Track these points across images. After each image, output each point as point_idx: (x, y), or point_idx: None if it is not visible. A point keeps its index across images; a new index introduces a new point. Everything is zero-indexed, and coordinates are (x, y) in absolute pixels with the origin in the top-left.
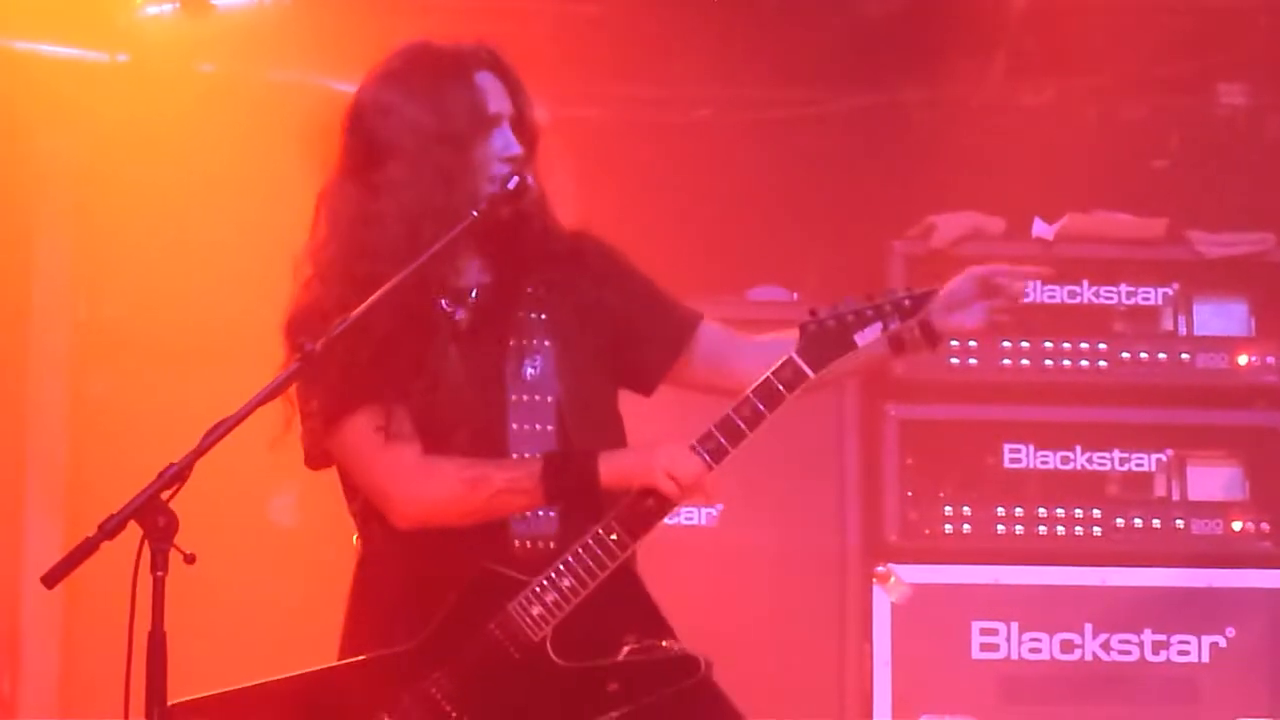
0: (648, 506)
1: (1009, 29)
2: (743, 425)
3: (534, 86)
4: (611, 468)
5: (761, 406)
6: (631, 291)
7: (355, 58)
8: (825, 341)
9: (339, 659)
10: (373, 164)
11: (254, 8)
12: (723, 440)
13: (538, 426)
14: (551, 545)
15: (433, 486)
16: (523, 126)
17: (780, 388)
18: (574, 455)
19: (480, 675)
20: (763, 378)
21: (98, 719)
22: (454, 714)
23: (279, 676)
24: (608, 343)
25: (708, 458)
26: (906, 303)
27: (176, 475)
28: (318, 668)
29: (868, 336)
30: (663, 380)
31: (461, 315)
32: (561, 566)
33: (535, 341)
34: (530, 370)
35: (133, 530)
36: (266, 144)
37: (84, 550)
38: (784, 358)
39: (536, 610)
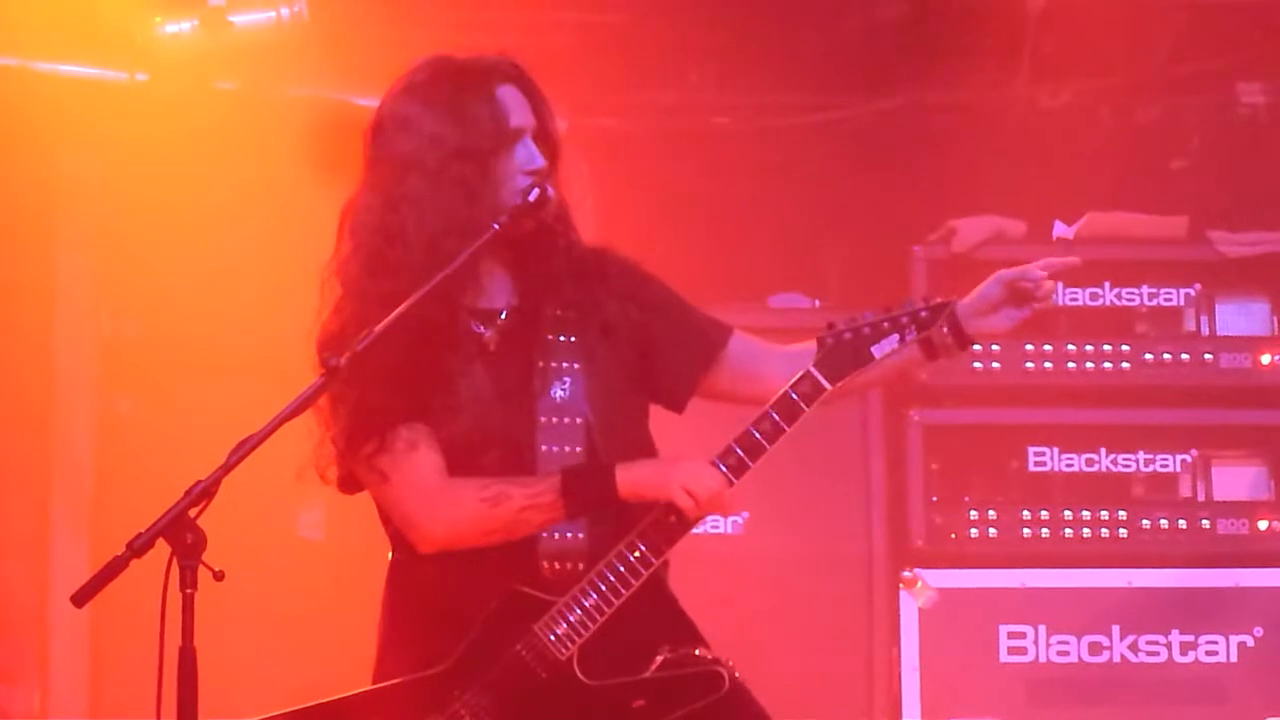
0: (670, 523)
1: (1026, 31)
2: (762, 439)
3: (553, 97)
4: (629, 479)
5: (780, 420)
6: (657, 308)
7: (374, 72)
8: (843, 354)
9: (373, 680)
10: (394, 178)
11: (272, 25)
12: (743, 455)
13: (567, 448)
14: (580, 566)
15: (454, 510)
16: (545, 139)
17: (798, 401)
18: (592, 468)
19: (508, 696)
20: (781, 392)
21: None
22: None
23: (310, 703)
24: (636, 361)
25: (728, 473)
26: (924, 314)
27: (204, 492)
28: (350, 693)
29: (885, 349)
30: (693, 395)
31: (489, 336)
32: (586, 586)
33: (564, 364)
34: (559, 392)
35: (160, 547)
36: (286, 160)
37: (113, 569)
38: (801, 371)
39: (562, 630)
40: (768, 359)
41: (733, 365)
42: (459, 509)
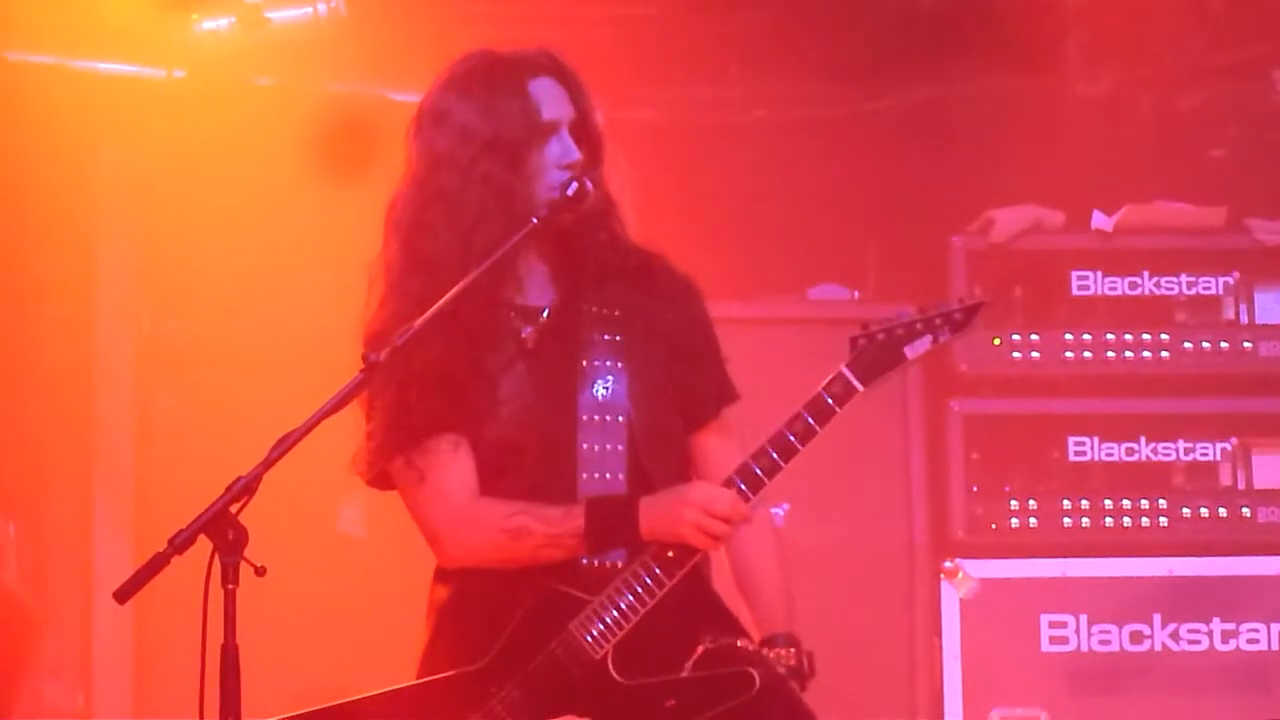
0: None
1: (1066, 20)
2: (795, 440)
3: (590, 90)
4: (648, 517)
5: (813, 422)
6: (692, 333)
7: (411, 68)
8: (876, 355)
9: (418, 675)
10: (429, 172)
11: (309, 20)
12: (775, 456)
13: (609, 447)
14: (619, 564)
15: (475, 536)
16: (585, 133)
17: (831, 403)
18: (615, 511)
19: (544, 694)
20: (814, 393)
21: None
22: None
23: (349, 699)
24: (674, 364)
25: (763, 475)
26: (958, 315)
27: (245, 488)
28: (388, 689)
29: (918, 349)
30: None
31: (530, 333)
32: (621, 585)
33: (606, 362)
34: (601, 390)
35: (202, 543)
36: (325, 155)
37: (155, 565)
38: (835, 372)
39: (597, 628)
40: (740, 447)
41: (721, 432)
42: (479, 536)
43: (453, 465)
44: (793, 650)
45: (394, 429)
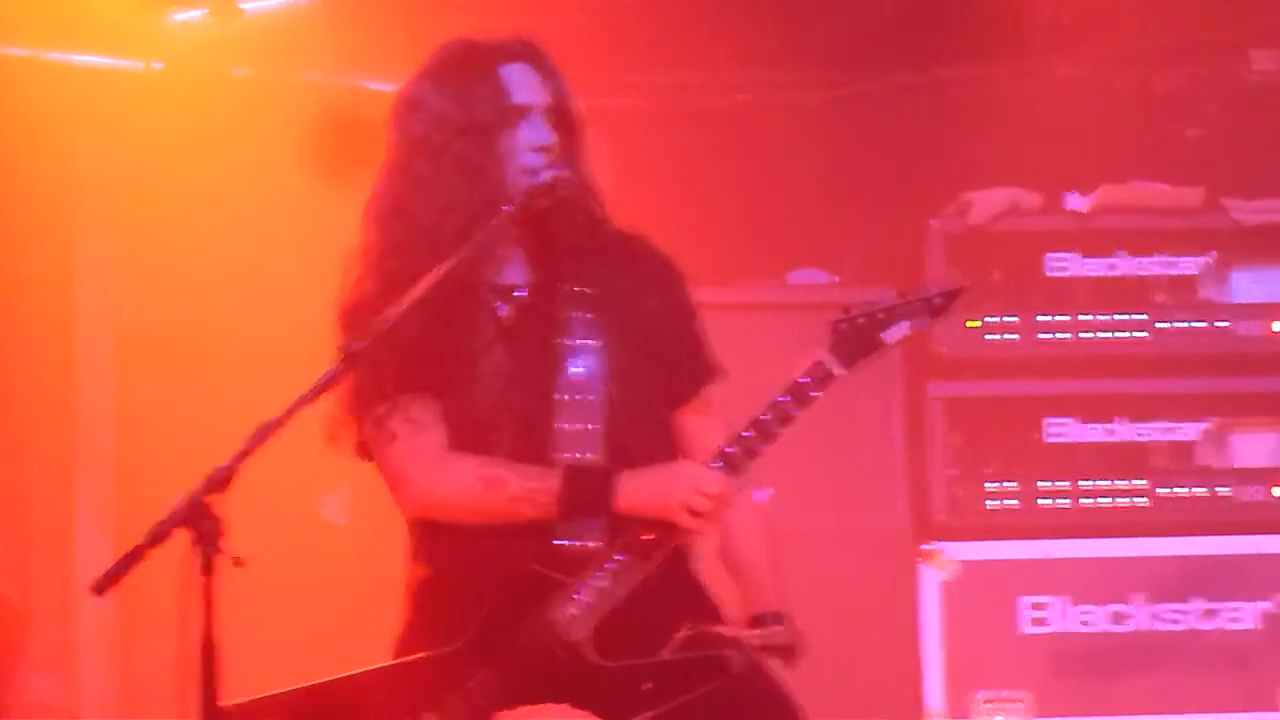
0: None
1: (1043, 3)
2: (775, 424)
3: (572, 77)
4: (629, 494)
5: (793, 406)
6: (672, 312)
7: (387, 56)
8: (856, 340)
9: (393, 657)
10: (404, 158)
11: (283, 10)
12: (755, 439)
13: (586, 426)
14: (597, 544)
15: (448, 479)
16: (561, 117)
17: (811, 387)
18: (592, 477)
19: (522, 675)
20: (794, 378)
21: None
22: (495, 715)
23: (326, 678)
24: (654, 345)
25: (741, 455)
26: (937, 300)
27: (223, 478)
28: (364, 669)
29: (896, 334)
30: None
31: (507, 312)
32: (600, 568)
33: (584, 341)
34: (579, 369)
35: (184, 534)
36: (302, 145)
37: (133, 557)
38: (815, 357)
39: (574, 610)
40: (711, 432)
41: (703, 410)
42: (453, 480)
43: (427, 426)
44: (781, 628)
45: (368, 393)
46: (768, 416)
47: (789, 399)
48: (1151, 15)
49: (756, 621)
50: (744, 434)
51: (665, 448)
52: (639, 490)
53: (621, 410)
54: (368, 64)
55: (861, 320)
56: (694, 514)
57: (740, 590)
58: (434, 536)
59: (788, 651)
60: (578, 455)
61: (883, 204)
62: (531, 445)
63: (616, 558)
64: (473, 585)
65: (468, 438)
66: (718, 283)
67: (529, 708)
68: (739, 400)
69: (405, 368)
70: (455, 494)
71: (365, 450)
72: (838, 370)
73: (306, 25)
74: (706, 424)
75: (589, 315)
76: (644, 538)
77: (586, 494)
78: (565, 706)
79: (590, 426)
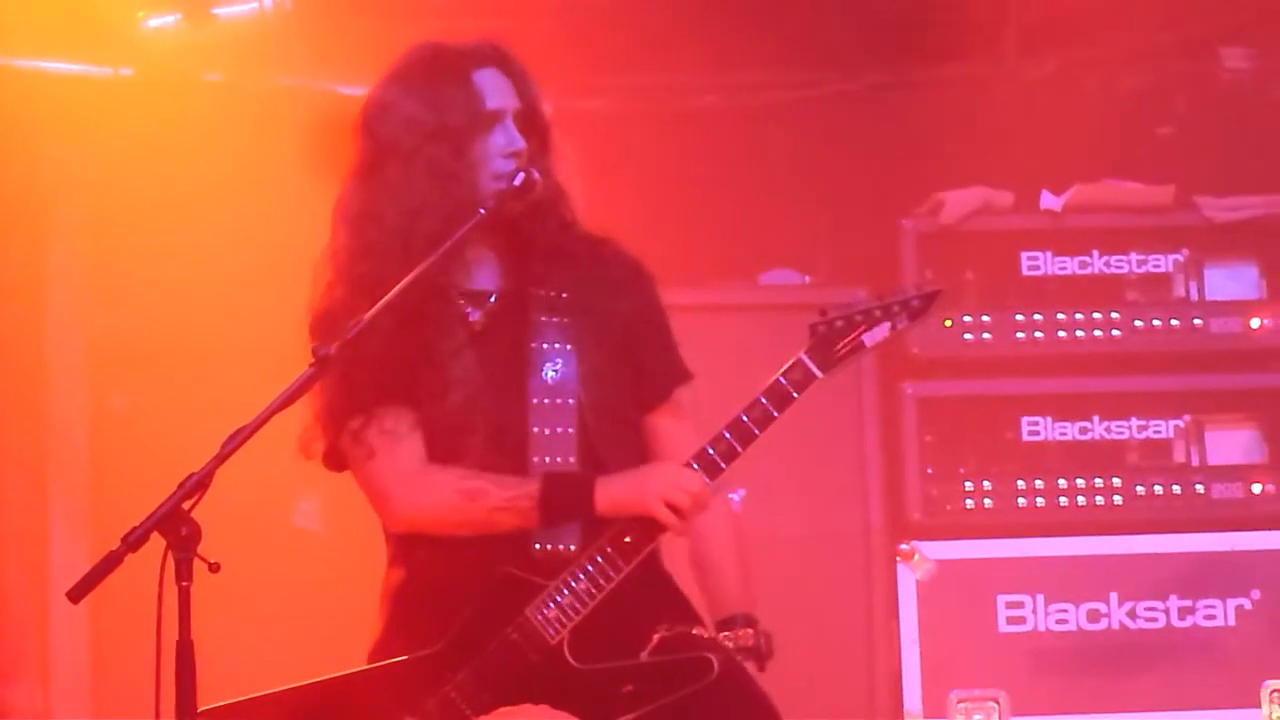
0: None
1: (1010, 3)
2: (752, 426)
3: (540, 80)
4: (609, 494)
5: (770, 407)
6: (642, 315)
7: (358, 61)
8: (834, 342)
9: (369, 662)
10: (375, 163)
11: (255, 16)
12: (733, 441)
13: (559, 430)
14: (572, 548)
15: (430, 494)
16: (531, 122)
17: (789, 388)
18: (571, 480)
19: (499, 679)
20: (772, 380)
21: None
22: (474, 718)
23: (304, 682)
24: (625, 349)
25: (718, 458)
26: (915, 303)
27: (197, 484)
28: (343, 673)
29: (876, 337)
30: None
31: (478, 317)
32: (576, 570)
33: (556, 345)
34: (552, 374)
35: (157, 540)
36: (274, 150)
37: (108, 564)
38: (794, 359)
39: (553, 614)
40: (694, 427)
41: (673, 413)
42: (435, 495)
43: (403, 437)
44: (750, 631)
45: (342, 405)
46: (746, 418)
47: (767, 401)
48: (1121, 14)
49: (725, 624)
50: (722, 435)
51: (637, 451)
52: (618, 491)
53: (594, 414)
54: (340, 69)
55: (840, 323)
56: (673, 509)
57: (709, 594)
58: (411, 542)
59: (755, 654)
60: (551, 460)
61: (855, 204)
62: (505, 449)
63: (594, 561)
64: (450, 589)
65: (442, 443)
66: (690, 284)
67: (508, 709)
68: (712, 401)
69: (377, 377)
70: (437, 508)
71: (335, 461)
72: (817, 373)
73: (279, 30)
74: (678, 427)
75: (560, 319)
76: (621, 540)
77: (567, 499)
78: (545, 707)
79: (564, 430)
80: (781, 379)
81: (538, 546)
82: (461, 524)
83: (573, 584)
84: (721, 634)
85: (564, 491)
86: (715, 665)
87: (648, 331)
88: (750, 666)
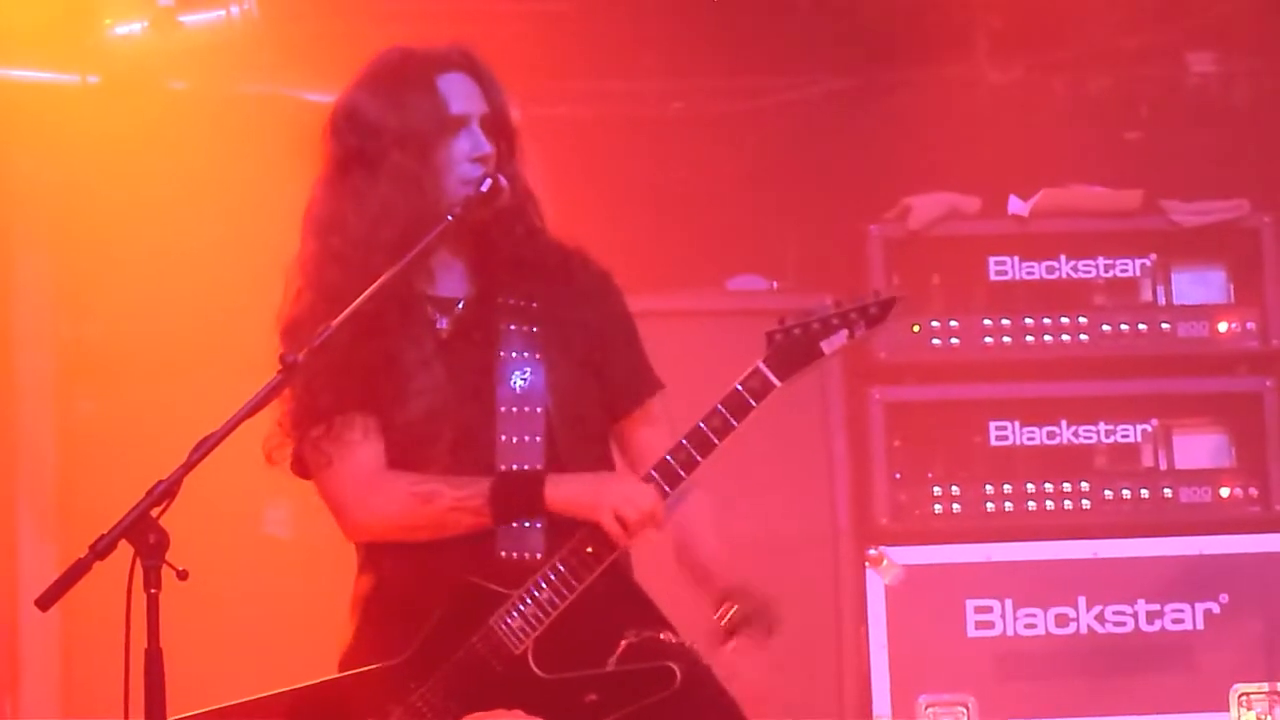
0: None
1: (976, 7)
2: (711, 435)
3: (506, 86)
4: (560, 495)
5: (730, 416)
6: (611, 326)
7: (324, 68)
8: (792, 351)
9: (340, 671)
10: (340, 169)
11: (222, 23)
12: (692, 450)
13: (526, 438)
14: (538, 557)
15: (385, 501)
16: (498, 127)
17: (747, 397)
18: (523, 478)
19: (464, 689)
20: (731, 389)
21: None
22: None
23: (272, 691)
24: (592, 359)
25: (679, 468)
26: (873, 310)
27: (165, 492)
28: (312, 682)
29: (834, 344)
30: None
31: (445, 325)
32: (540, 579)
33: (524, 354)
34: (520, 382)
35: (126, 548)
36: (241, 157)
37: (76, 571)
38: (751, 367)
39: (517, 623)
40: (671, 434)
41: (646, 421)
42: (389, 501)
43: (361, 444)
44: (754, 597)
45: (303, 413)
46: (705, 426)
47: (726, 410)
48: (1088, 19)
49: (725, 595)
50: (681, 444)
51: (605, 460)
52: (570, 492)
53: (561, 422)
54: (307, 76)
55: (797, 331)
56: (621, 522)
57: (702, 578)
58: (380, 550)
59: (762, 619)
60: (519, 468)
61: (821, 210)
62: (472, 457)
63: (556, 570)
64: (420, 597)
65: (407, 450)
66: (657, 289)
67: (481, 714)
68: (678, 407)
69: (338, 384)
70: (393, 514)
71: (301, 468)
72: (775, 381)
73: (246, 38)
74: (652, 434)
75: (529, 328)
76: (583, 550)
77: (517, 496)
78: (518, 712)
79: (531, 439)
80: (739, 387)
81: (503, 554)
82: (418, 527)
83: (535, 593)
84: (724, 605)
85: (514, 489)
86: (678, 674)
87: (616, 342)
88: (761, 636)
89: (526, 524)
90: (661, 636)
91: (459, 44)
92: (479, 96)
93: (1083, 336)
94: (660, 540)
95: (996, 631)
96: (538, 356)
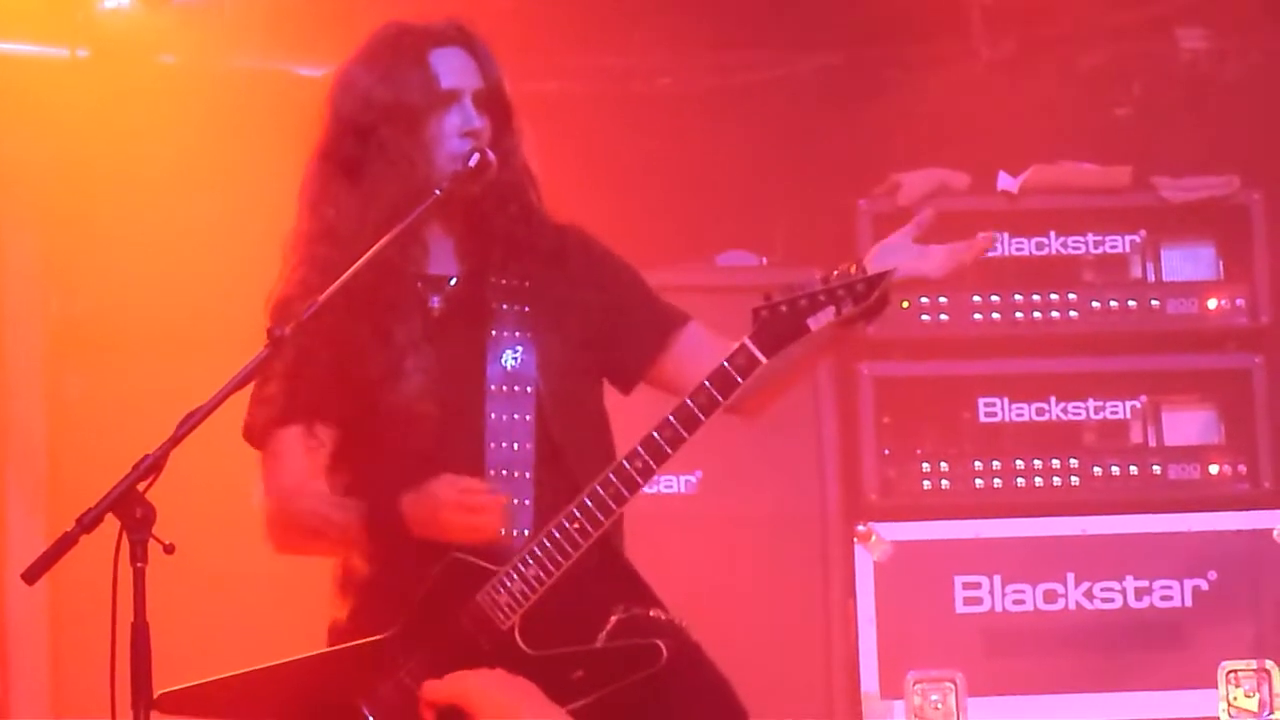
0: (604, 497)
1: None
2: (697, 412)
3: (498, 61)
4: (416, 518)
5: (716, 393)
6: (614, 291)
7: (315, 42)
8: (778, 326)
9: (327, 645)
10: (336, 144)
11: None
12: (678, 427)
13: (516, 416)
14: (526, 533)
15: (285, 536)
16: (493, 103)
17: (733, 374)
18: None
19: (451, 665)
20: (717, 365)
21: (90, 715)
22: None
23: (260, 666)
24: (588, 338)
25: (666, 445)
26: (860, 286)
27: (152, 466)
28: (298, 657)
29: (821, 320)
30: (641, 380)
31: (437, 303)
32: (528, 556)
33: (515, 333)
34: (510, 361)
35: (112, 523)
36: (231, 133)
37: (63, 545)
38: (737, 344)
39: (504, 599)
40: (716, 352)
41: (681, 357)
42: (287, 537)
43: (288, 458)
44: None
45: (258, 408)
46: (691, 403)
47: (712, 386)
48: None
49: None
50: (668, 420)
51: (601, 441)
52: (419, 518)
53: (551, 402)
54: (298, 50)
55: (784, 307)
56: (468, 511)
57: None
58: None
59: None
60: (508, 446)
61: (811, 185)
62: (462, 435)
63: (541, 546)
64: (407, 573)
65: (398, 428)
66: (646, 265)
67: (463, 672)
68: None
69: (294, 382)
70: (295, 547)
71: (256, 440)
72: (761, 357)
73: (235, 12)
74: (702, 336)
75: (520, 308)
76: (567, 526)
77: (388, 529)
78: (500, 671)
79: (521, 417)
80: (726, 364)
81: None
82: (322, 552)
83: (522, 569)
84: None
85: (386, 523)
86: (664, 651)
87: (628, 304)
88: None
89: (515, 500)
90: (651, 613)
91: (455, 19)
92: (473, 72)
93: (1072, 313)
94: (653, 516)
95: (985, 608)
96: (529, 336)
